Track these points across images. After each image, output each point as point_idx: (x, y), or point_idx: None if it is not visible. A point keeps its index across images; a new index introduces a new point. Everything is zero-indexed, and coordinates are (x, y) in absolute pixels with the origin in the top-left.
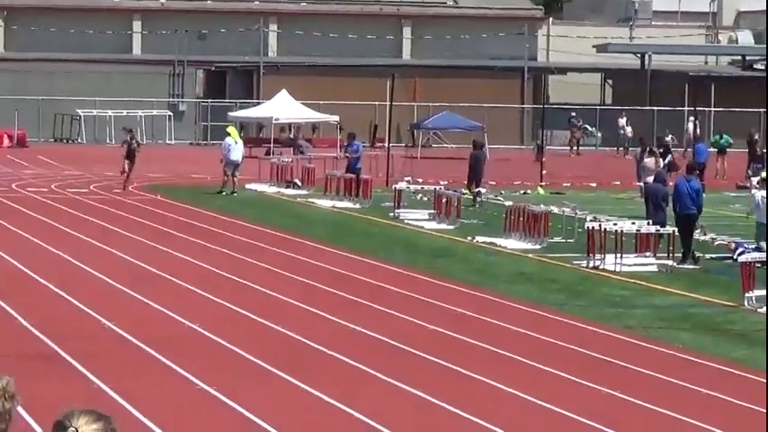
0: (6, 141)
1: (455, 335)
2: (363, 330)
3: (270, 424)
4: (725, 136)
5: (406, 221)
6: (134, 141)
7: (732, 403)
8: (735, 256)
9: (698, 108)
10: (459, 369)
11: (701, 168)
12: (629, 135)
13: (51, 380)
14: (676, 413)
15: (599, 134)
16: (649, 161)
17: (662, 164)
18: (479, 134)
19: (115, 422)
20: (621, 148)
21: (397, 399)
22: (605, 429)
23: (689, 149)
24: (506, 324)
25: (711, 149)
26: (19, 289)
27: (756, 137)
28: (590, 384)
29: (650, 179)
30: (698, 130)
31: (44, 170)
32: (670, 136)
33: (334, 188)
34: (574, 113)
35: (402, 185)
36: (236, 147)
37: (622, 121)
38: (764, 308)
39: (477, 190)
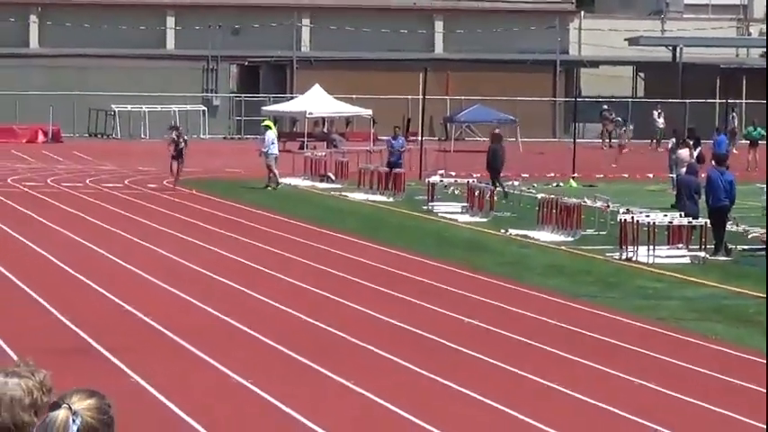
0: (41, 137)
1: (489, 327)
2: (399, 324)
3: (307, 418)
4: (758, 128)
5: (439, 214)
6: (182, 140)
7: (765, 394)
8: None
9: (729, 100)
10: (494, 362)
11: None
12: (661, 127)
13: (87, 373)
14: (710, 404)
15: (631, 127)
16: (683, 152)
17: (695, 155)
18: (505, 128)
19: (109, 399)
20: (654, 141)
21: (435, 391)
22: (637, 420)
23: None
24: (539, 316)
25: (743, 141)
26: (54, 283)
27: None
28: (623, 375)
29: (683, 170)
30: (735, 123)
31: (79, 165)
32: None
33: (368, 182)
34: (606, 106)
35: (435, 179)
36: (276, 140)
37: (656, 114)
38: None
39: (508, 183)
